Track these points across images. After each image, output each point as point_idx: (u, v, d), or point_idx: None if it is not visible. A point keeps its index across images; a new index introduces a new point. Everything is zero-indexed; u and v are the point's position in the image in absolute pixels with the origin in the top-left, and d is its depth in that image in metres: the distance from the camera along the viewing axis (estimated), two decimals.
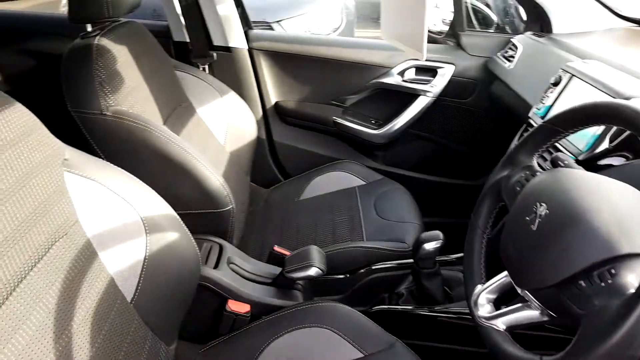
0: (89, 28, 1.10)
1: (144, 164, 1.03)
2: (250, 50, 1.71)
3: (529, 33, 1.57)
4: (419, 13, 0.94)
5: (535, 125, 1.02)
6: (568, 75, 1.00)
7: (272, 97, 1.79)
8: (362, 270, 1.23)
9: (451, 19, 1.76)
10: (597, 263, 0.56)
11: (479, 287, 0.75)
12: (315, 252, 1.06)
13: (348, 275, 1.24)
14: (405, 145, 1.80)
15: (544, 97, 1.04)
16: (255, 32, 1.75)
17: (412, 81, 1.68)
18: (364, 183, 1.57)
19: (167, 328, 0.85)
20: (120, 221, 0.76)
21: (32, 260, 0.60)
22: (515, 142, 1.07)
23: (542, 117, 1.00)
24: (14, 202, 0.60)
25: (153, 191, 0.84)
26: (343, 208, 1.44)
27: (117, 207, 0.76)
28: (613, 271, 0.55)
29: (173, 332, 0.88)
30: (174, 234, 0.83)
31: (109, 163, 0.81)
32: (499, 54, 1.61)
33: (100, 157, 1.02)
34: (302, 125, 1.81)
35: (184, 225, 0.87)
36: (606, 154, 0.88)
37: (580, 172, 0.67)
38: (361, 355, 0.87)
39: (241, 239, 1.38)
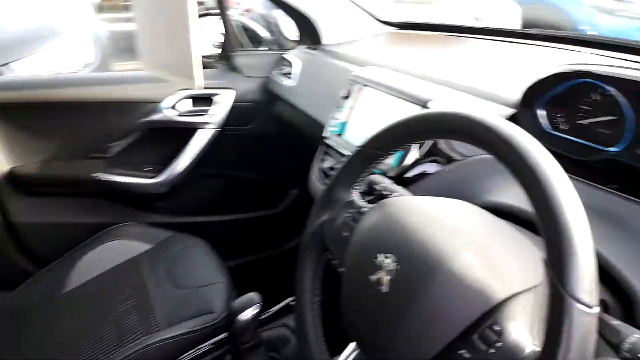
0: None
1: None
2: None
3: (301, 47, 1.49)
4: (183, 37, 0.74)
5: (334, 144, 0.88)
6: (358, 85, 0.88)
7: (2, 164, 1.32)
8: None
9: (222, 40, 1.57)
10: (473, 323, 0.42)
11: None
12: None
13: None
14: (193, 188, 1.54)
15: (336, 112, 0.91)
16: None
17: (188, 114, 1.42)
18: (150, 246, 1.24)
19: None
20: None
21: None
22: (316, 165, 0.91)
23: (339, 135, 0.87)
24: None
25: None
26: (126, 289, 1.09)
27: None
28: (497, 327, 0.41)
29: None
30: None
31: None
32: (274, 72, 1.48)
33: None
34: (52, 192, 1.39)
35: None
36: (416, 163, 0.78)
37: (415, 202, 0.52)
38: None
39: None
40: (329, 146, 0.90)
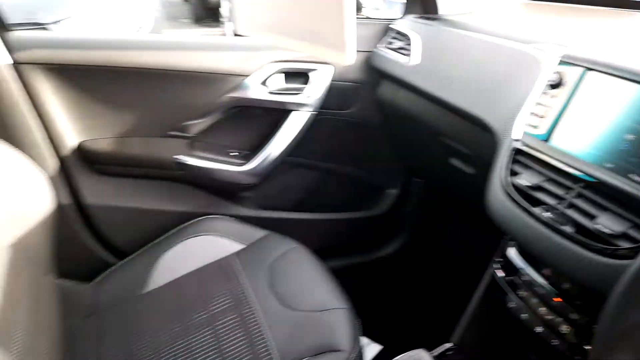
0: None
1: None
2: (17, 66, 1.04)
3: (412, 16, 1.24)
4: None
5: (534, 151, 0.65)
6: (577, 70, 0.64)
7: (70, 137, 1.14)
8: None
9: None
10: None
11: None
12: None
13: None
14: (281, 180, 1.34)
15: (534, 106, 0.68)
16: (20, 35, 1.07)
17: (281, 92, 1.21)
18: (242, 246, 1.06)
19: None
20: None
21: None
22: (501, 176, 0.68)
23: (545, 140, 0.64)
24: None
25: None
26: (223, 298, 0.91)
27: None
28: None
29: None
30: None
31: None
32: (379, 46, 1.24)
33: None
34: (127, 173, 1.21)
35: None
36: None
37: None
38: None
39: None
40: (520, 152, 0.67)
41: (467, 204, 1.20)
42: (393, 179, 1.42)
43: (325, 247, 1.13)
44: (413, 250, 1.45)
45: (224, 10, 4.32)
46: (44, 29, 2.17)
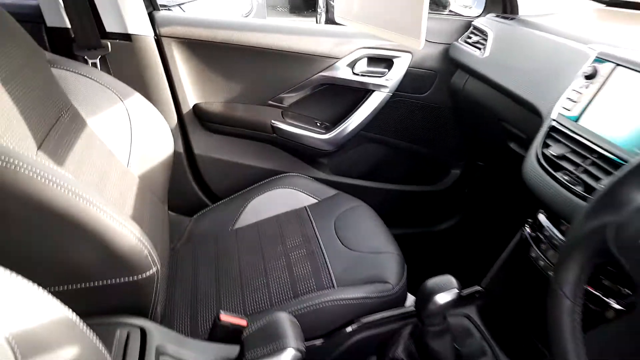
0: None
1: (8, 222, 0.62)
2: (158, 39, 1.31)
3: (491, 15, 1.37)
4: None
5: (565, 129, 0.78)
6: (609, 65, 0.77)
7: (190, 99, 1.40)
8: (344, 331, 0.92)
9: None
10: None
11: None
12: (288, 324, 0.73)
13: (323, 340, 0.93)
14: (355, 151, 1.52)
15: (571, 92, 0.81)
16: (164, 14, 1.35)
17: (364, 74, 1.39)
18: (316, 201, 1.26)
19: None
20: None
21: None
22: (537, 148, 0.82)
23: (576, 121, 0.77)
24: None
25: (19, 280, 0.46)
26: (296, 238, 1.12)
27: None
28: None
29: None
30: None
31: None
32: (460, 40, 1.38)
33: None
34: (230, 132, 1.45)
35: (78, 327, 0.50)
36: None
37: None
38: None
39: (165, 296, 1.00)
40: (554, 129, 0.80)
41: (521, 186, 1.31)
42: (456, 160, 1.55)
43: (385, 213, 1.30)
44: (465, 227, 1.58)
45: (321, 0, 4.57)
46: (168, 9, 2.53)
